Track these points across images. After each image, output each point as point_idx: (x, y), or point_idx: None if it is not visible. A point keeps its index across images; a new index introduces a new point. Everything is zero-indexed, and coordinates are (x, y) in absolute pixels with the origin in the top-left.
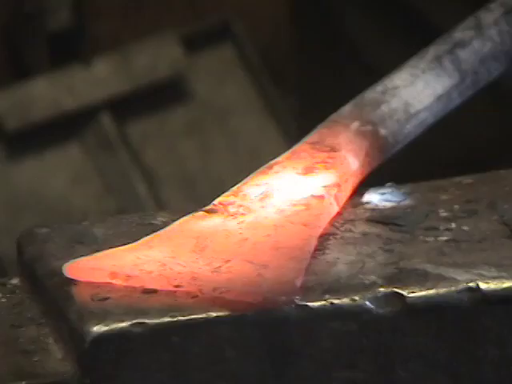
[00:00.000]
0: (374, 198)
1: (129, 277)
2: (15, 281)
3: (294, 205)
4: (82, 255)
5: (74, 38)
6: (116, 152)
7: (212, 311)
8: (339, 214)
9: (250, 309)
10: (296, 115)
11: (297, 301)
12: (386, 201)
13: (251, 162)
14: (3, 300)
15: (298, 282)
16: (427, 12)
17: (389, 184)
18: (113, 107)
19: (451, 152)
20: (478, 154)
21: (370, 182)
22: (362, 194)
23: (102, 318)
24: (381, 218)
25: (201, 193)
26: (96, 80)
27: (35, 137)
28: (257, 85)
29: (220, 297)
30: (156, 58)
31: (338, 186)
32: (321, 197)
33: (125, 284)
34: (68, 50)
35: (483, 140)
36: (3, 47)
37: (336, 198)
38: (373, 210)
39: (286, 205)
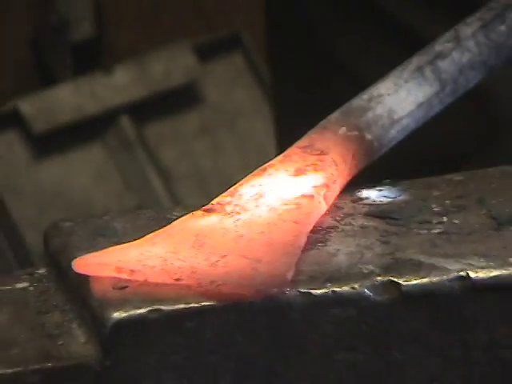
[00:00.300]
0: (372, 194)
1: (133, 271)
2: (42, 271)
3: (286, 204)
4: (102, 247)
5: (96, 48)
6: (135, 152)
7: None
8: (338, 208)
9: (246, 299)
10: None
11: (291, 283)
12: (383, 197)
13: (258, 161)
14: (31, 288)
15: (289, 276)
16: (408, 18)
17: (385, 181)
18: (132, 111)
19: (423, 151)
20: (449, 154)
21: (366, 179)
22: (360, 191)
23: (121, 305)
24: (378, 212)
25: (212, 190)
26: (116, 86)
27: (60, 138)
28: (263, 90)
29: (217, 289)
30: (171, 66)
31: (326, 186)
32: (311, 196)
33: (129, 278)
34: (90, 59)
35: (455, 140)
36: (32, 57)
37: (325, 197)
38: (371, 205)
39: (278, 204)
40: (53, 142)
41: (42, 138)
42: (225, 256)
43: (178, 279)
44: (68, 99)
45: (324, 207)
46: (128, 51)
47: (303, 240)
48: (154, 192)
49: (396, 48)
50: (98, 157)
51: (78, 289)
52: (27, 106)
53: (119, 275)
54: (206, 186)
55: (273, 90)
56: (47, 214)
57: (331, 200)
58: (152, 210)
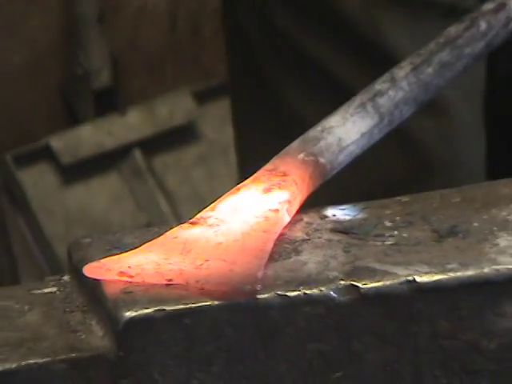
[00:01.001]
0: (337, 212)
1: (132, 275)
2: (66, 278)
3: (256, 217)
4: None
5: (113, 94)
6: (145, 179)
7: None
8: (308, 224)
9: (224, 296)
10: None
11: (259, 286)
12: (345, 215)
13: None
14: (58, 292)
15: (259, 275)
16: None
17: (347, 204)
18: (142, 146)
19: (368, 188)
20: (388, 192)
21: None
22: (327, 210)
23: (132, 306)
24: (341, 228)
25: None
26: (129, 125)
27: (84, 168)
28: None
29: (201, 287)
30: (174, 108)
31: (289, 202)
32: (276, 210)
33: (130, 280)
34: (108, 103)
35: (395, 181)
36: (60, 101)
37: (287, 211)
38: (335, 221)
39: (250, 217)
40: (77, 171)
41: (69, 168)
42: (207, 260)
43: (169, 280)
44: (90, 136)
45: (287, 219)
46: (139, 96)
47: (270, 246)
48: (161, 212)
49: (334, 95)
50: (115, 183)
51: (95, 293)
52: (57, 142)
53: (121, 278)
54: (204, 207)
55: (236, 135)
56: (73, 230)
57: (293, 213)
58: (156, 227)
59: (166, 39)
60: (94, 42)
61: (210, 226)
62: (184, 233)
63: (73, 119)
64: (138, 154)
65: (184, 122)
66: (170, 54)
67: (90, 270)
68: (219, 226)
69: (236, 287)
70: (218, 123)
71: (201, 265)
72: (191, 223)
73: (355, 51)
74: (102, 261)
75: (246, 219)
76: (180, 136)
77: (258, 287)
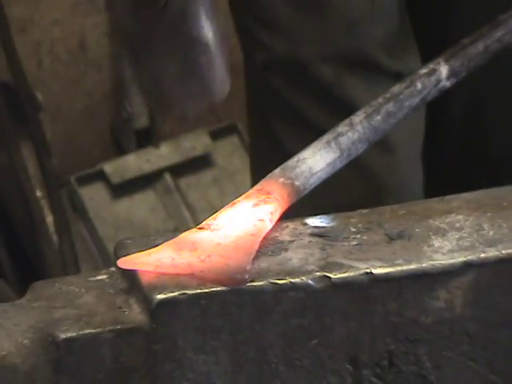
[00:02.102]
0: (315, 221)
1: (156, 266)
2: (114, 269)
3: (247, 223)
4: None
5: (149, 132)
6: (173, 196)
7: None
8: (293, 229)
9: (221, 283)
10: None
11: (248, 276)
12: (321, 223)
13: None
14: (107, 280)
15: (248, 267)
16: None
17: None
18: (171, 171)
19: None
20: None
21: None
22: (308, 219)
23: (161, 290)
24: (318, 232)
25: None
26: (161, 155)
27: (128, 187)
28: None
29: (204, 276)
30: (195, 143)
31: (271, 213)
32: (262, 219)
33: (154, 271)
34: (146, 138)
35: (350, 197)
36: (110, 136)
37: (270, 220)
38: (314, 228)
39: (242, 224)
40: (123, 189)
41: (117, 187)
42: (209, 256)
43: (180, 271)
44: (133, 163)
45: (270, 226)
46: (168, 134)
47: (257, 246)
48: (185, 220)
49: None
50: (151, 198)
51: (133, 280)
52: (108, 167)
53: (147, 268)
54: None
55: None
56: (119, 233)
57: (274, 222)
58: (181, 232)
59: None
60: (135, 93)
61: (212, 230)
62: (192, 235)
63: (120, 150)
64: (167, 177)
65: (202, 153)
66: None
67: (122, 263)
68: (219, 230)
69: (230, 277)
70: (227, 154)
71: (204, 259)
72: (198, 228)
73: (328, 103)
74: (131, 256)
75: (239, 226)
76: (199, 164)
77: (247, 276)
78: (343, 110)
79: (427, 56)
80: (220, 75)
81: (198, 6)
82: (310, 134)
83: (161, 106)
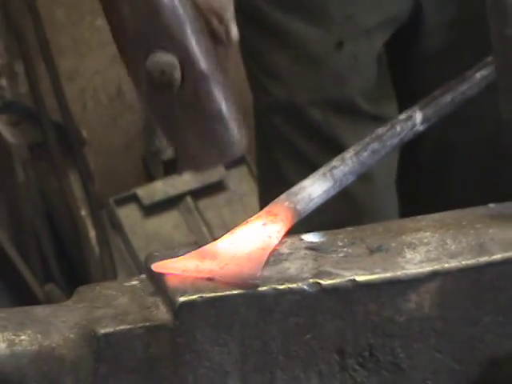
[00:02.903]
0: (309, 237)
1: (183, 271)
2: (144, 276)
3: (258, 239)
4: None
5: (174, 162)
6: (194, 215)
7: (227, 289)
8: (291, 244)
9: (237, 286)
10: None
11: (258, 281)
12: (314, 238)
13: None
14: (139, 285)
15: (258, 274)
16: None
17: (315, 232)
18: (192, 194)
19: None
20: None
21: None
22: (304, 236)
23: (183, 293)
24: (311, 246)
25: None
26: (184, 181)
27: (157, 208)
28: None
29: (224, 280)
30: (211, 171)
31: (278, 232)
32: (270, 236)
33: (181, 274)
34: (172, 168)
35: (336, 218)
36: (143, 166)
37: (277, 237)
38: (308, 242)
39: (253, 239)
40: (153, 209)
41: (148, 207)
42: (227, 264)
43: (203, 275)
44: (160, 188)
45: (276, 241)
46: None
47: (266, 257)
48: (204, 235)
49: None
50: (175, 217)
51: (160, 285)
52: (141, 191)
53: (176, 272)
54: (227, 232)
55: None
56: (150, 245)
57: (280, 238)
58: (200, 245)
59: None
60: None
61: (229, 244)
62: (213, 247)
63: (150, 177)
64: (189, 199)
65: (217, 180)
66: None
67: (156, 267)
68: (235, 243)
69: (244, 282)
70: (237, 181)
71: (222, 267)
72: (217, 241)
73: (318, 140)
74: (164, 261)
75: (251, 240)
76: (214, 188)
77: (257, 281)
78: (331, 145)
79: (404, 102)
80: (235, 137)
81: (210, 84)
82: (304, 164)
83: (185, 165)
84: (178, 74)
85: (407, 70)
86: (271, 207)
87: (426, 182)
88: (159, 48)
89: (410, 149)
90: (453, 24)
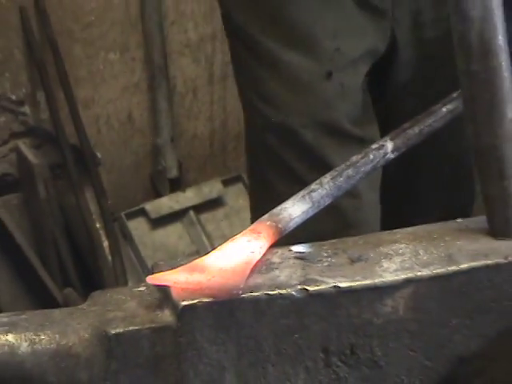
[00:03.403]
0: (297, 248)
1: (174, 282)
2: (150, 283)
3: (242, 254)
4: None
5: (178, 181)
6: (196, 227)
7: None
8: (281, 254)
9: (222, 296)
10: None
11: (241, 291)
12: (302, 249)
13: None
14: (146, 291)
15: (241, 285)
16: None
17: (303, 244)
18: (194, 209)
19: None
20: None
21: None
22: (293, 247)
23: (185, 298)
24: (299, 256)
25: None
26: (187, 198)
27: (163, 221)
28: None
29: (210, 292)
30: (211, 188)
31: (260, 247)
32: (253, 252)
33: (175, 287)
34: (176, 185)
35: (322, 230)
36: (150, 184)
37: (259, 253)
38: (296, 253)
39: (238, 254)
40: (160, 222)
41: (155, 220)
42: (213, 276)
43: (192, 287)
44: (166, 203)
45: (259, 256)
46: (193, 182)
47: (249, 271)
48: (205, 245)
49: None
50: (179, 229)
51: (165, 291)
52: (149, 206)
53: (167, 284)
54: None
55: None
56: (157, 254)
57: (262, 253)
58: (200, 255)
59: (206, 153)
60: (169, 153)
61: (216, 258)
62: (201, 262)
63: (157, 194)
64: (191, 213)
65: (216, 196)
66: (209, 161)
67: (151, 280)
68: (221, 258)
69: (228, 292)
70: (234, 197)
71: (209, 279)
72: (206, 256)
73: (309, 159)
74: (157, 275)
75: (236, 255)
76: (214, 204)
77: (241, 292)
78: (319, 164)
79: (383, 125)
80: None
81: None
82: (294, 181)
83: None
84: None
85: (385, 97)
86: (255, 226)
87: (395, 193)
88: None
89: (383, 168)
90: (425, 58)
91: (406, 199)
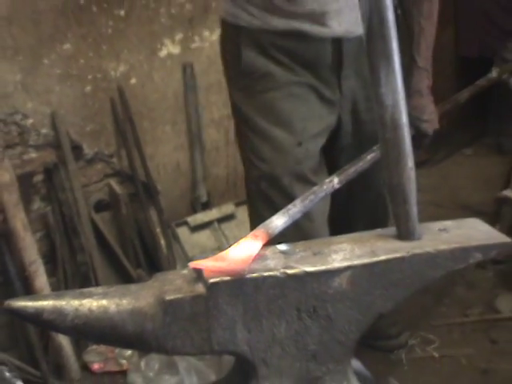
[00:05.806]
0: (281, 247)
1: (205, 267)
2: (191, 268)
3: (246, 250)
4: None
5: (208, 203)
6: (218, 233)
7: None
8: (271, 250)
9: (233, 275)
10: None
11: (246, 273)
12: (284, 247)
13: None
14: (188, 273)
15: (246, 269)
16: None
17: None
18: (218, 221)
19: None
20: None
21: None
22: (279, 246)
23: (212, 277)
24: (282, 251)
25: None
26: (213, 214)
27: (197, 228)
28: None
29: (227, 273)
30: (226, 209)
31: (258, 246)
32: (253, 248)
33: (206, 270)
34: (206, 206)
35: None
36: (190, 205)
37: (257, 248)
38: (280, 249)
39: (244, 250)
40: (196, 229)
41: (194, 228)
42: (229, 263)
43: (216, 270)
44: (200, 217)
45: (257, 251)
46: (216, 204)
47: (250, 261)
48: (224, 244)
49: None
50: (208, 234)
51: (199, 273)
52: (189, 219)
53: (201, 268)
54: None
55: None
56: (194, 250)
57: (259, 249)
58: (220, 250)
59: (224, 187)
60: (201, 187)
61: (231, 252)
62: (221, 255)
63: (194, 211)
64: (215, 224)
65: (231, 212)
66: (226, 192)
67: (191, 265)
68: (234, 252)
69: (238, 273)
70: (243, 213)
71: (227, 265)
72: (225, 251)
73: (286, 197)
74: (195, 262)
75: (242, 251)
76: (230, 218)
77: (246, 273)
78: (292, 199)
79: (330, 172)
80: None
81: None
82: (275, 210)
83: None
84: None
85: (332, 155)
86: (254, 232)
87: (338, 215)
88: None
89: (332, 195)
90: (359, 131)
91: (345, 217)
